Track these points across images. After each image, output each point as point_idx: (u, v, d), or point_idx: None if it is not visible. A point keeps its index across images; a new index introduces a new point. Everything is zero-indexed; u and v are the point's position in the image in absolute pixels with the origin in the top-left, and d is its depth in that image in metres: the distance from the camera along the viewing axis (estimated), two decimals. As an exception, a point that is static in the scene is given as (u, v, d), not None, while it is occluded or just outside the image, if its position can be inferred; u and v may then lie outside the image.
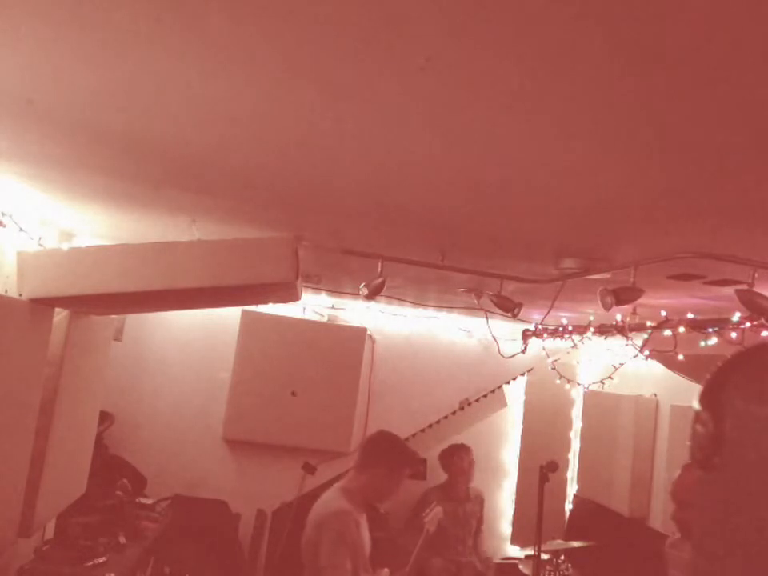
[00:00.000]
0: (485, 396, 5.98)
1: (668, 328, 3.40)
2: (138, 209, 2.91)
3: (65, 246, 3.24)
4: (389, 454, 3.32)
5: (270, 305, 5.19)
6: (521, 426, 6.20)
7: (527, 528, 4.90)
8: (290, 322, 5.47)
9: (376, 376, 5.75)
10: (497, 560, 5.88)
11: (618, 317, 3.74)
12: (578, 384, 5.87)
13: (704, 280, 2.78)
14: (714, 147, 1.45)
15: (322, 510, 3.19)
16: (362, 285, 3.05)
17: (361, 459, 3.37)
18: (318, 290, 4.89)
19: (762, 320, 2.75)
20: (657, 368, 4.67)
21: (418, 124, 1.52)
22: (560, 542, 5.02)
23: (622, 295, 2.57)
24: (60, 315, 3.03)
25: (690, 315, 3.36)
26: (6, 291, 2.86)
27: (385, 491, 3.33)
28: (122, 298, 2.73)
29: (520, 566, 5.02)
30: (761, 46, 1.00)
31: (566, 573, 4.87)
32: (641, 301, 2.75)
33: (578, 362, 5.96)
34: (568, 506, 6.19)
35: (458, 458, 5.59)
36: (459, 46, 1.11)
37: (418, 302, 4.95)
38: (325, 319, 5.69)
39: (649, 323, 3.57)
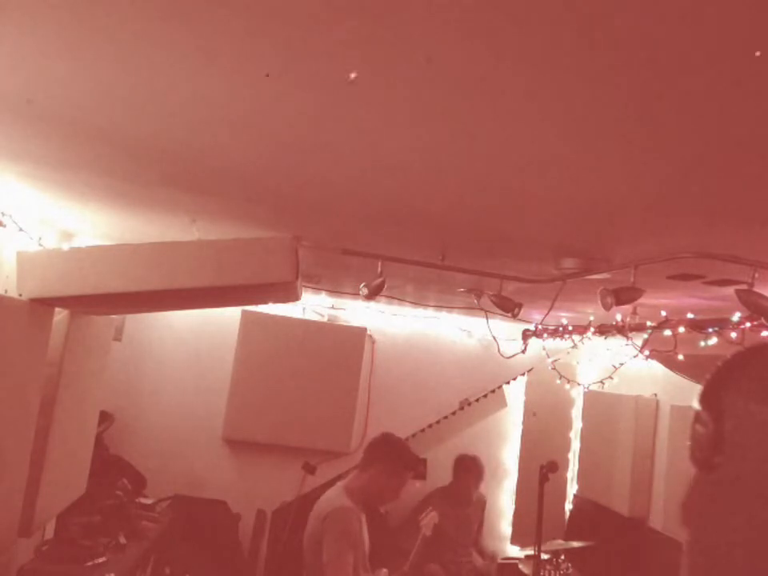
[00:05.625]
0: (485, 396, 5.98)
1: (668, 328, 3.39)
2: (138, 209, 2.91)
3: (65, 246, 3.25)
4: (390, 456, 3.35)
5: (270, 305, 5.19)
6: (521, 426, 6.20)
7: (527, 528, 4.89)
8: (290, 322, 5.47)
9: (376, 376, 5.74)
10: (497, 560, 5.87)
11: (618, 317, 3.74)
12: (578, 384, 5.86)
13: (704, 280, 2.78)
14: (714, 147, 1.45)
15: (326, 506, 3.21)
16: (362, 285, 3.06)
17: (363, 459, 3.41)
18: (318, 289, 4.89)
19: (762, 320, 2.74)
20: (657, 368, 4.67)
21: (418, 124, 1.52)
22: (560, 542, 5.02)
23: (622, 295, 2.57)
24: (60, 315, 3.03)
25: (690, 315, 3.35)
26: (6, 291, 2.86)
27: (386, 493, 3.35)
28: (121, 298, 2.73)
29: (520, 566, 5.02)
30: (759, 44, 1.00)
31: (566, 573, 4.87)
32: (641, 301, 2.75)
33: (577, 362, 5.95)
34: (568, 506, 6.19)
35: (476, 473, 5.52)
36: (459, 46, 1.11)
37: (417, 302, 4.95)
38: (325, 319, 5.69)
39: (649, 323, 3.56)
